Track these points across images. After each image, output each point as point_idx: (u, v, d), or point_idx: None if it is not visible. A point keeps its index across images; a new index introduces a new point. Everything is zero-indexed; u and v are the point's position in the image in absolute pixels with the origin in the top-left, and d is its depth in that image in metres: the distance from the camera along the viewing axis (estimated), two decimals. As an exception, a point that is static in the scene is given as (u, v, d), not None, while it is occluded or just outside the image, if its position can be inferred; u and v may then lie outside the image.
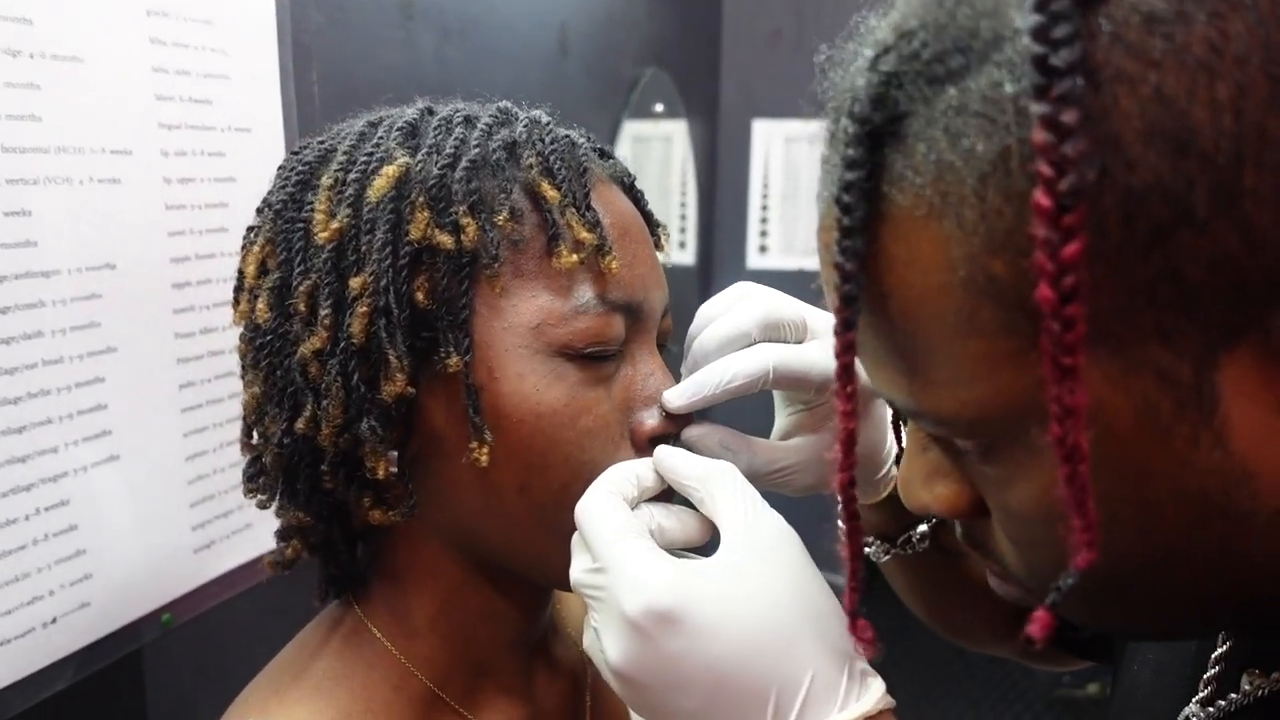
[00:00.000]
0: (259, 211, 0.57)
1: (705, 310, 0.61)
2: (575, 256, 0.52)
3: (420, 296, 0.51)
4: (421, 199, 0.51)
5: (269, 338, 0.54)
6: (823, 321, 0.60)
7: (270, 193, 0.57)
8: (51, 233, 0.72)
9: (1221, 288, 0.32)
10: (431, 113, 0.57)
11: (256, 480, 0.58)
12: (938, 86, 0.34)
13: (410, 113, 0.57)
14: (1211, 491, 0.35)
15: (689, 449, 0.55)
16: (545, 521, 0.53)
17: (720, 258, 2.85)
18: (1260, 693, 0.45)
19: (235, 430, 0.62)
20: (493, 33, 1.47)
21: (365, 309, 0.51)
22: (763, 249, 2.84)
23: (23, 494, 0.71)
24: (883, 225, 0.36)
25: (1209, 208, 0.31)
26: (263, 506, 0.59)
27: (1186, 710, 0.49)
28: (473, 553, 0.58)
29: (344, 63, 1.11)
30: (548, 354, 0.53)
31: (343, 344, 0.51)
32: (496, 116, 0.57)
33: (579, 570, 0.49)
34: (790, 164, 2.79)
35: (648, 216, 0.60)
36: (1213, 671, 0.48)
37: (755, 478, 0.57)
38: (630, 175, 0.61)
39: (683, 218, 2.62)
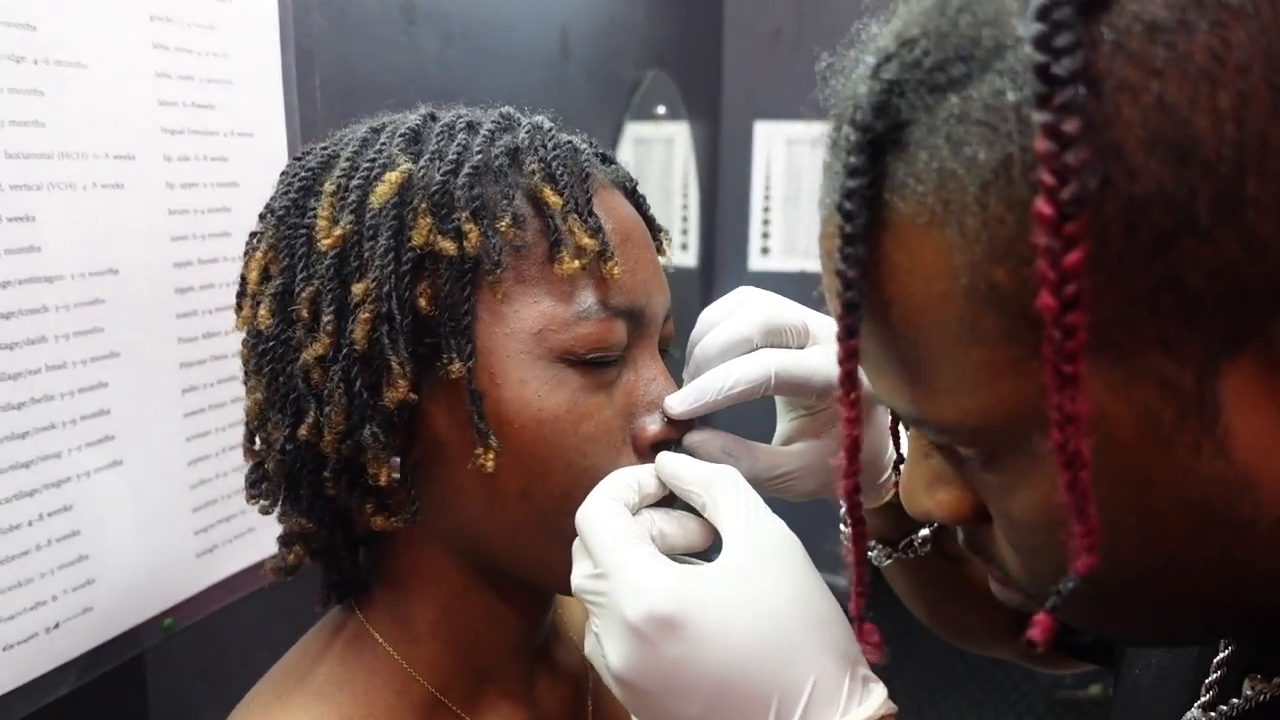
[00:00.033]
0: (262, 217, 0.57)
1: (707, 315, 0.61)
2: (577, 262, 0.52)
3: (423, 303, 0.51)
4: (424, 205, 0.51)
5: (271, 344, 0.54)
6: (824, 327, 0.60)
7: (273, 198, 0.57)
8: (54, 238, 0.72)
9: (1223, 296, 0.32)
10: (434, 119, 0.57)
11: (259, 486, 0.58)
12: (940, 94, 0.34)
13: (413, 118, 0.57)
14: (1213, 500, 0.35)
15: (691, 454, 0.55)
16: (547, 527, 0.53)
17: (722, 259, 2.85)
18: (1262, 698, 0.45)
19: (238, 434, 0.62)
20: (494, 36, 1.47)
21: (368, 315, 0.51)
22: (765, 251, 2.84)
23: (26, 499, 0.71)
24: (885, 233, 0.36)
25: (1211, 216, 0.31)
26: (265, 512, 0.59)
27: (1188, 715, 0.49)
28: (474, 558, 0.58)
29: (346, 66, 1.12)
30: (550, 360, 0.53)
31: (345, 350, 0.51)
32: (499, 122, 0.57)
33: (580, 576, 0.49)
34: (792, 165, 2.79)
35: (650, 221, 0.61)
36: (1214, 676, 0.48)
37: (757, 483, 0.56)
38: (632, 180, 0.61)
39: (684, 219, 2.62)
